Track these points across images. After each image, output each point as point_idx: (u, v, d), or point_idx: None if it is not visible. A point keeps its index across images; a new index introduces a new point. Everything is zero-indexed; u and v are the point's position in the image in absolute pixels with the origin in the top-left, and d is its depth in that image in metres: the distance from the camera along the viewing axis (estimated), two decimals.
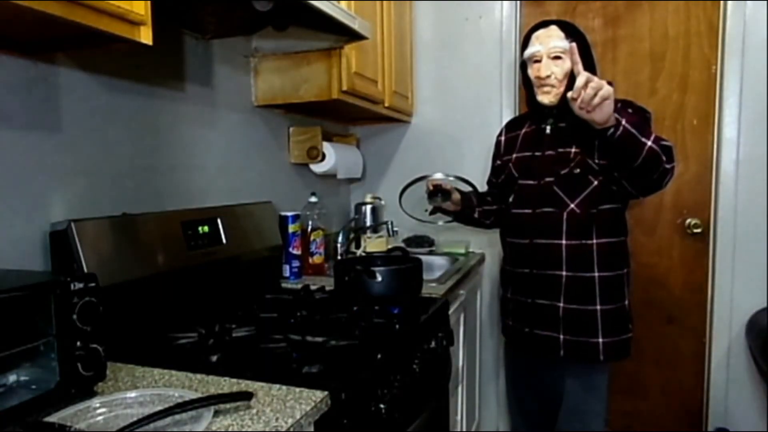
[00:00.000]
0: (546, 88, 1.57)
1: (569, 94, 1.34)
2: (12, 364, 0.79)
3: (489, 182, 1.90)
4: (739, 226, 2.12)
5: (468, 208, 1.79)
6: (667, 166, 1.41)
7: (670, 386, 2.31)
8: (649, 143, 1.37)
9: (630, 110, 1.51)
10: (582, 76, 1.31)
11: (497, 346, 2.42)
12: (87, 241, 1.05)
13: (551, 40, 1.54)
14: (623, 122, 1.35)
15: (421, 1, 2.45)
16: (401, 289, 1.44)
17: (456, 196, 1.73)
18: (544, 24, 1.59)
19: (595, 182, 1.54)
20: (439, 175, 1.77)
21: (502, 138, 1.82)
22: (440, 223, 1.95)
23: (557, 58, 1.54)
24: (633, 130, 1.35)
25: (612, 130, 1.35)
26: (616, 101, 1.57)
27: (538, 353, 1.67)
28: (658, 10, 2.22)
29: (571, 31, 1.56)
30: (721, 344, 2.19)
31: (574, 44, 1.41)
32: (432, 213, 1.84)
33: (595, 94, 1.28)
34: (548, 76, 1.54)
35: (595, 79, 1.30)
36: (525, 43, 1.63)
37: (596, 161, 1.52)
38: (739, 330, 2.15)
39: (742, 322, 2.14)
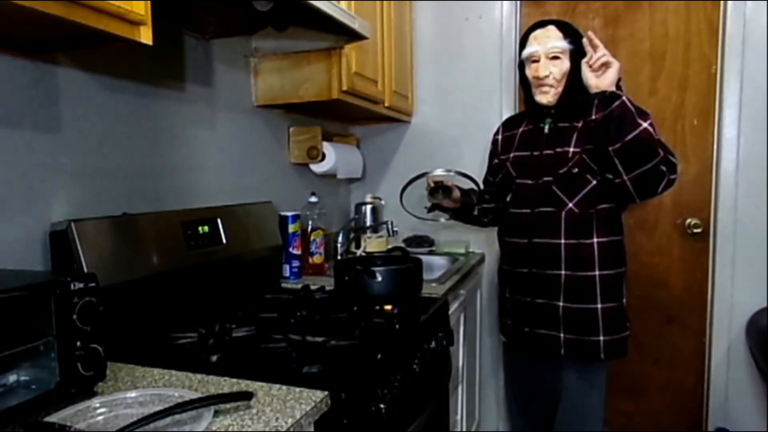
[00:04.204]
0: (544, 88, 1.57)
1: (583, 61, 1.45)
2: (12, 364, 0.79)
3: (485, 181, 1.90)
4: (739, 226, 2.12)
5: (467, 206, 1.79)
6: (670, 175, 1.45)
7: (670, 386, 2.31)
8: (645, 124, 1.40)
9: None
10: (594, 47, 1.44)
11: (497, 346, 2.42)
12: (87, 241, 1.05)
13: (549, 41, 1.55)
14: (624, 96, 1.41)
15: (421, 1, 2.45)
16: (401, 289, 1.44)
17: (456, 193, 1.73)
18: (542, 24, 1.60)
19: (594, 182, 1.54)
20: (439, 171, 1.77)
21: (500, 137, 1.82)
22: (441, 220, 1.95)
23: (555, 58, 1.54)
24: (633, 108, 1.41)
25: (615, 102, 1.40)
26: None
27: (539, 352, 1.67)
28: (658, 10, 2.22)
29: (569, 31, 1.56)
30: (721, 344, 2.19)
31: (589, 33, 1.46)
32: (431, 210, 1.84)
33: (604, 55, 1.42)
34: (546, 77, 1.55)
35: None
36: (523, 43, 1.63)
37: (593, 163, 1.52)
38: (739, 330, 2.15)
39: (742, 322, 2.14)
